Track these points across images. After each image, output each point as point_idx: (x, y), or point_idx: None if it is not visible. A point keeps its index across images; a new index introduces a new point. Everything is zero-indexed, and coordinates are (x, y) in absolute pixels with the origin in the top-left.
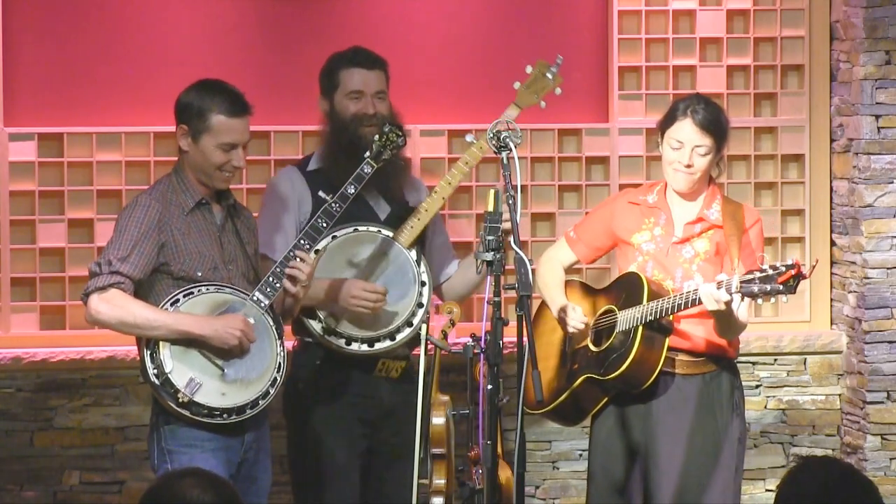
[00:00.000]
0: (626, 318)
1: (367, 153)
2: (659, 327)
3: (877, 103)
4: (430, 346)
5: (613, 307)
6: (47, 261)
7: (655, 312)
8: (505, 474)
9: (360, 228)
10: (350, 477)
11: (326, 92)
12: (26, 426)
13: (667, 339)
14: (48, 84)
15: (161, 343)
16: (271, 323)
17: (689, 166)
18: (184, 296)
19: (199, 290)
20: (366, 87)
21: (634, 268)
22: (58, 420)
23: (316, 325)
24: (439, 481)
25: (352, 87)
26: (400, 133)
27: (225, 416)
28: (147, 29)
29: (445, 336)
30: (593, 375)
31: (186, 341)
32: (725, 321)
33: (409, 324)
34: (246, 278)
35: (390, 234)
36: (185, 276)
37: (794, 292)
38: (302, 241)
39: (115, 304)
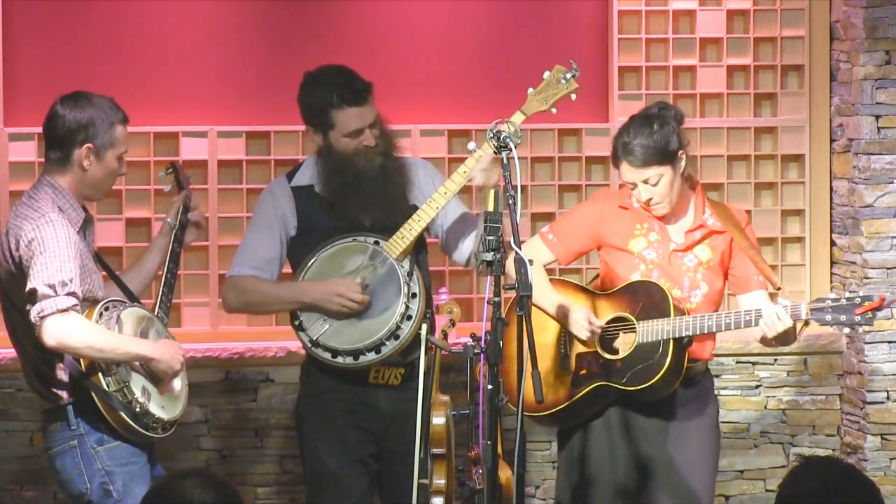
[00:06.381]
0: (650, 329)
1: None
2: (687, 341)
3: (877, 103)
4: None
5: (628, 315)
6: None
7: (695, 328)
8: (505, 474)
9: (359, 239)
10: (342, 482)
11: (319, 127)
12: (26, 426)
13: (687, 353)
14: (48, 84)
15: None
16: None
17: (649, 201)
18: (113, 308)
19: (124, 305)
20: (363, 124)
21: (639, 276)
22: None
23: (304, 338)
24: (439, 481)
25: (350, 129)
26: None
27: (167, 427)
28: (147, 29)
29: (445, 336)
30: (612, 384)
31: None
32: (782, 338)
33: (396, 336)
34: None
35: (382, 243)
36: (90, 296)
37: (872, 324)
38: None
39: (82, 328)
